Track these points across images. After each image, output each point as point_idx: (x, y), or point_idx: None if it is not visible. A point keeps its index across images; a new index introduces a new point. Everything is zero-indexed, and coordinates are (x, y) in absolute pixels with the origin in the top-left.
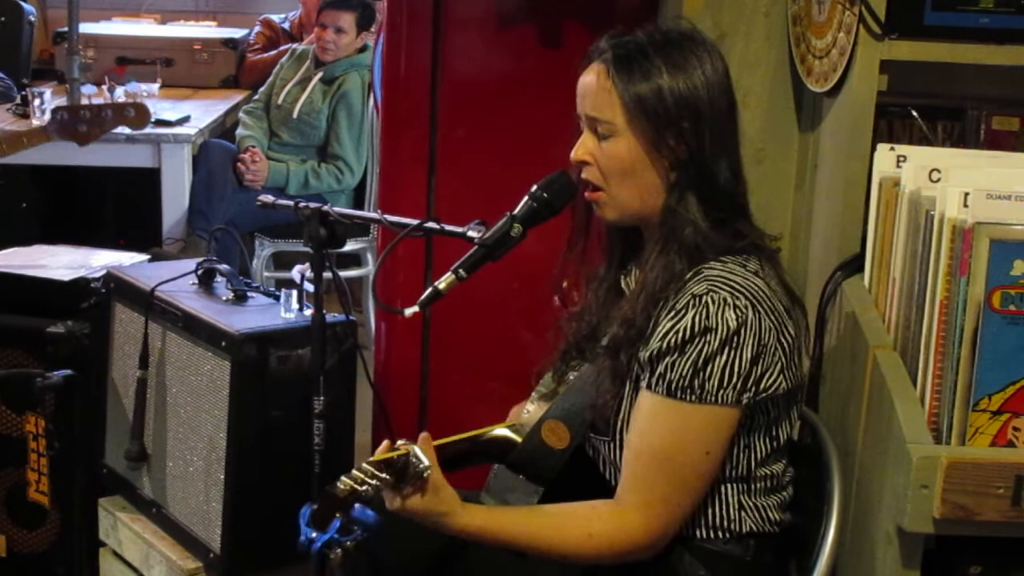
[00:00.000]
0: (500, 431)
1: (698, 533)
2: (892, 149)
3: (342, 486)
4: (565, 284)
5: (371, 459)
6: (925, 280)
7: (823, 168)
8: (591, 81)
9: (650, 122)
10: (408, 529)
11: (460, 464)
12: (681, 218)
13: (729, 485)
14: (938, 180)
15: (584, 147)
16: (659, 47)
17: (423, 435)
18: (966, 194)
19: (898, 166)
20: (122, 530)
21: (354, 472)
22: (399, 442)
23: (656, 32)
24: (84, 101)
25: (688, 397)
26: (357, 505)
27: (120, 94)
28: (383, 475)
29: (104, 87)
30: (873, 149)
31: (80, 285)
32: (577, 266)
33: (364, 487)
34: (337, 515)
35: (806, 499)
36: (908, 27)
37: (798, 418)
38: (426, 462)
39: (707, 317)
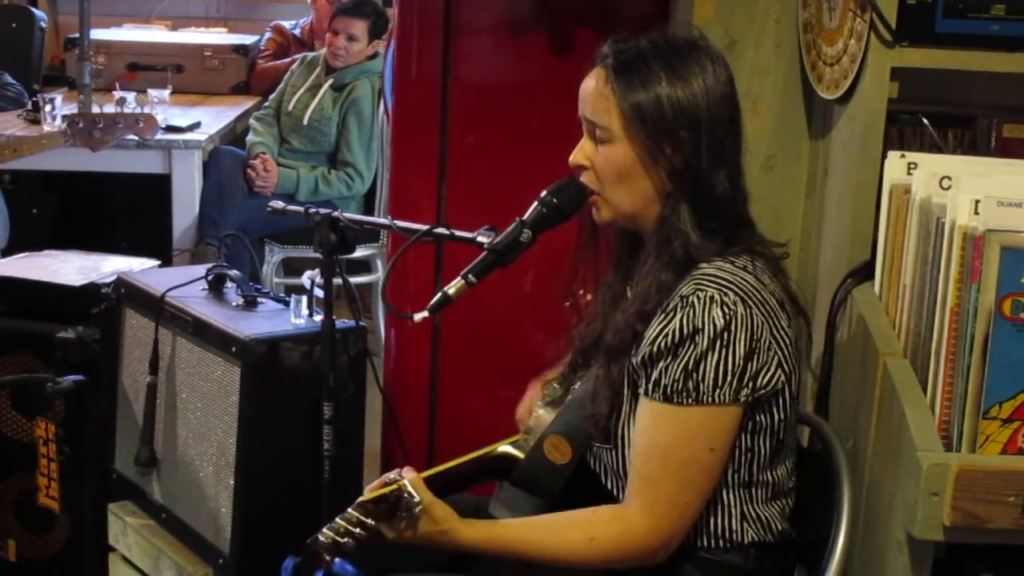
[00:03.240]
0: (503, 448)
1: (699, 542)
2: (903, 156)
3: (323, 539)
4: (581, 292)
5: (362, 498)
6: (936, 287)
7: (834, 175)
8: (591, 85)
9: (646, 130)
10: None
11: (465, 486)
12: (673, 228)
13: (732, 492)
14: (949, 187)
15: (582, 152)
16: (660, 54)
17: (407, 469)
18: (977, 201)
19: (909, 173)
20: (132, 535)
21: (337, 521)
22: (391, 475)
23: (660, 38)
24: (96, 110)
25: (685, 400)
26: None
27: (131, 104)
28: (369, 520)
29: (114, 92)
30: (884, 156)
31: (90, 291)
32: (586, 270)
33: (346, 539)
34: (321, 568)
35: (815, 507)
36: (919, 34)
37: (807, 424)
38: (418, 498)
39: (694, 317)
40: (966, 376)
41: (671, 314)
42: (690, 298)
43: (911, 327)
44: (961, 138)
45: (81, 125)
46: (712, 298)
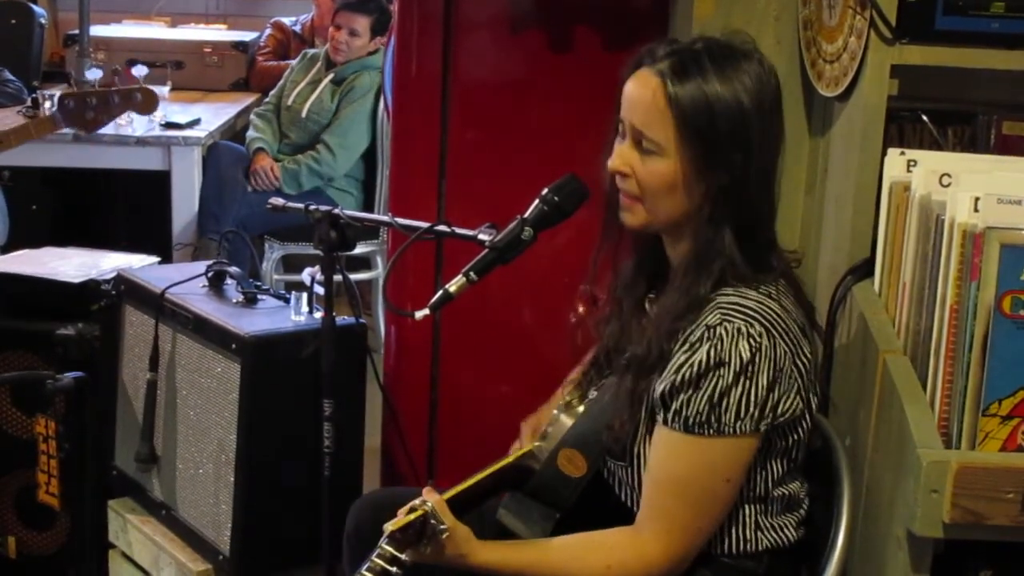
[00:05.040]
0: (518, 458)
1: (714, 550)
2: (903, 154)
3: None
4: (588, 288)
5: (389, 529)
6: (935, 285)
7: (833, 172)
8: (645, 95)
9: (701, 148)
10: None
11: (483, 500)
12: (715, 249)
13: (747, 506)
14: (948, 185)
15: (623, 158)
16: (720, 66)
17: (428, 490)
18: (976, 199)
19: (908, 171)
20: (132, 532)
21: (374, 560)
22: (416, 501)
23: (718, 47)
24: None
25: (706, 432)
26: None
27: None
28: (403, 556)
29: (116, 77)
30: (883, 154)
31: (90, 287)
32: (604, 269)
33: None
34: None
35: (816, 504)
36: (919, 32)
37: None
38: (444, 524)
39: (721, 350)
40: (966, 373)
41: (697, 344)
42: (717, 329)
43: (911, 324)
44: (961, 135)
45: (72, 105)
46: (739, 330)
